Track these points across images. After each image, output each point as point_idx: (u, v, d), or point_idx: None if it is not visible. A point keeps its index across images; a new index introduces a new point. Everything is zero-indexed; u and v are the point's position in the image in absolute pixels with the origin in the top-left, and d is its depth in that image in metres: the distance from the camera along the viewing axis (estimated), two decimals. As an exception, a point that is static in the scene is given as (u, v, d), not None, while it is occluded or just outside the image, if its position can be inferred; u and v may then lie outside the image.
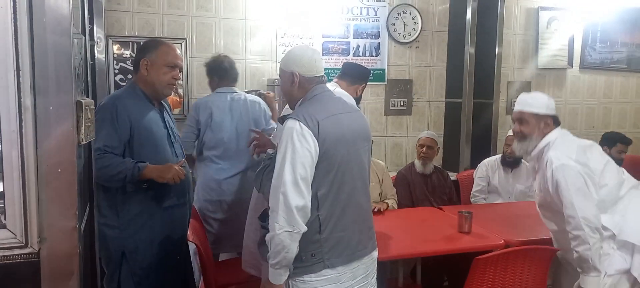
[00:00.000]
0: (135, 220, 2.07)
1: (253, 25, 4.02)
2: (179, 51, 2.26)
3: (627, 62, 4.99)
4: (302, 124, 1.66)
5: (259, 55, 4.06)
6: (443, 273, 3.28)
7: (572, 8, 4.77)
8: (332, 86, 2.51)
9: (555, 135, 2.28)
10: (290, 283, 1.75)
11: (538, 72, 4.76)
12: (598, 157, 2.23)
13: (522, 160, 3.74)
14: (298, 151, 1.64)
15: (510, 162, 3.71)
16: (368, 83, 4.24)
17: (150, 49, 2.17)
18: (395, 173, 3.71)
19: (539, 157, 2.30)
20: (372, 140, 2.07)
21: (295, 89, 1.84)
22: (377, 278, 3.21)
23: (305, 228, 1.66)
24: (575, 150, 2.20)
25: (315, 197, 1.69)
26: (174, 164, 2.09)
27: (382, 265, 2.95)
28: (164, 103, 2.29)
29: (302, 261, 1.71)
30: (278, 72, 1.94)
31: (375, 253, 1.92)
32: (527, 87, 4.76)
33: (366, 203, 1.88)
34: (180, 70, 2.23)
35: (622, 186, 2.19)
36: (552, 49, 4.74)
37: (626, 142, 3.95)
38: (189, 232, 2.27)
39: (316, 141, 1.66)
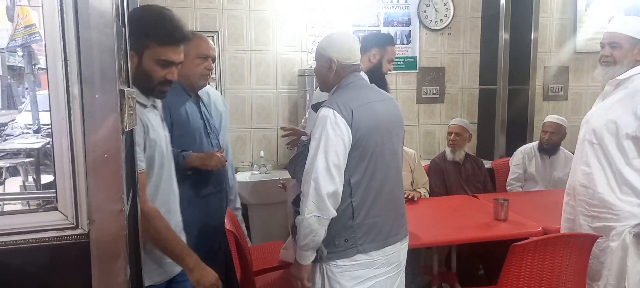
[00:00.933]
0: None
1: (283, 16, 4.04)
2: (211, 42, 2.29)
3: (672, 43, 4.76)
4: (336, 112, 1.70)
5: (289, 46, 4.08)
6: (478, 261, 3.24)
7: (611, -11, 4.59)
8: None
9: None
10: (324, 267, 1.78)
11: (576, 56, 4.61)
12: None
13: (560, 147, 3.65)
14: (331, 139, 1.68)
15: (548, 149, 3.63)
16: (399, 71, 4.26)
17: None
18: (427, 162, 3.68)
19: (622, 83, 2.17)
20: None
21: (331, 75, 1.85)
22: (412, 266, 3.21)
23: (334, 214, 1.70)
24: None
25: (348, 184, 1.72)
26: (215, 152, 2.15)
27: (416, 253, 2.96)
28: (200, 94, 2.34)
29: (335, 246, 1.74)
30: (314, 56, 1.95)
31: (407, 241, 1.93)
32: (564, 71, 4.63)
33: (399, 190, 1.89)
34: (214, 60, 2.28)
35: None
36: (590, 32, 4.58)
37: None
38: (226, 220, 2.32)
39: (350, 129, 1.69)
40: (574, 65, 4.64)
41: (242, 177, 3.85)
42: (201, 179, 2.16)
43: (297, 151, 1.89)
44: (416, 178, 3.37)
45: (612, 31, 2.20)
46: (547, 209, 2.87)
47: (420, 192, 3.22)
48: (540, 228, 2.51)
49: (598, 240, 2.18)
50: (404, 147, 3.48)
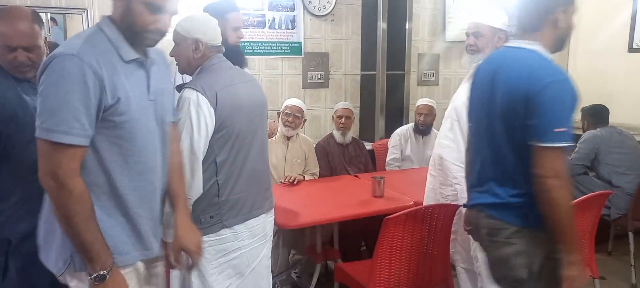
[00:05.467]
0: (17, 207, 1.83)
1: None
2: (24, 24, 1.70)
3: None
4: (199, 94, 1.73)
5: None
6: (360, 237, 3.42)
7: (475, -16, 5.06)
8: None
9: None
10: None
11: (446, 44, 5.01)
12: None
13: (433, 129, 3.97)
14: (194, 120, 1.72)
15: (423, 130, 3.92)
16: (285, 56, 4.30)
17: None
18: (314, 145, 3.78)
19: None
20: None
21: (198, 57, 1.84)
22: (295, 245, 3.30)
23: (199, 192, 1.78)
24: None
25: (214, 163, 1.79)
26: None
27: (301, 233, 3.05)
28: None
29: (201, 223, 1.79)
30: (173, 38, 1.87)
31: (272, 213, 2.05)
32: (436, 59, 5.02)
33: (262, 167, 1.99)
34: (29, 50, 1.72)
35: None
36: (458, 23, 5.00)
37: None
38: None
39: (213, 111, 1.74)
40: (444, 53, 5.05)
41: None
42: None
43: None
44: (308, 165, 3.46)
45: (475, 21, 2.42)
46: (420, 185, 3.09)
47: (303, 176, 3.30)
48: (412, 202, 2.72)
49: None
50: (303, 135, 3.58)
